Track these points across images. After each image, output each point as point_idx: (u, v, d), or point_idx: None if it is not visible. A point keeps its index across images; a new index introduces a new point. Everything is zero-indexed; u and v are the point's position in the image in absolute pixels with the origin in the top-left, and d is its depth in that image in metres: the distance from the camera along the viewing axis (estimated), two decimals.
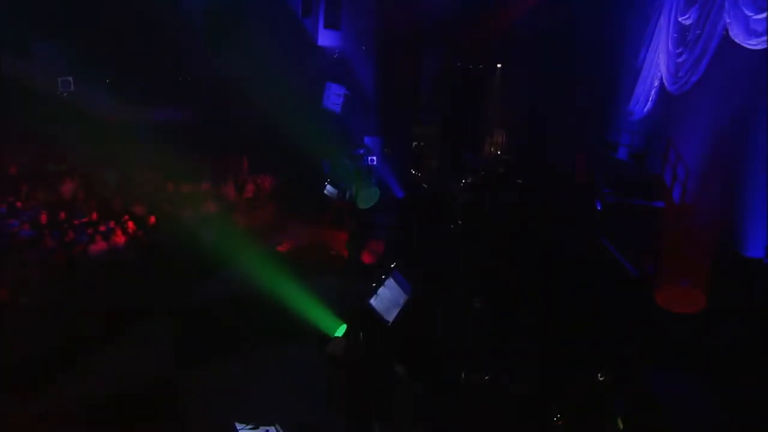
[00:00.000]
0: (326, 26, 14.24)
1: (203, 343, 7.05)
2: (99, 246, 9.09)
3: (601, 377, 6.15)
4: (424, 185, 13.01)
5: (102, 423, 5.35)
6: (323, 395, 6.15)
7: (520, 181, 13.86)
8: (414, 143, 16.37)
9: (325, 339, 6.88)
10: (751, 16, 8.78)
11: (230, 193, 12.90)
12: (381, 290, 6.22)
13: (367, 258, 9.82)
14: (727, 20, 9.52)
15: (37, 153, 11.01)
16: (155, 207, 10.89)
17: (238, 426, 3.56)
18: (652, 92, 11.97)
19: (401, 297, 6.49)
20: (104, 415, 5.43)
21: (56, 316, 6.93)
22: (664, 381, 5.45)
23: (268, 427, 3.70)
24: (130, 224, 10.01)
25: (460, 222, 9.79)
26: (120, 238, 9.45)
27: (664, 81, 11.35)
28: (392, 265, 6.64)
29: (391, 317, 6.13)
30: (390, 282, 6.49)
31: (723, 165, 9.58)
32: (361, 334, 6.49)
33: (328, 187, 11.58)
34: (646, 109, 12.15)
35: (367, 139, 14.60)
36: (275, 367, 6.64)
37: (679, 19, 10.89)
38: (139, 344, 6.99)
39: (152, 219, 10.48)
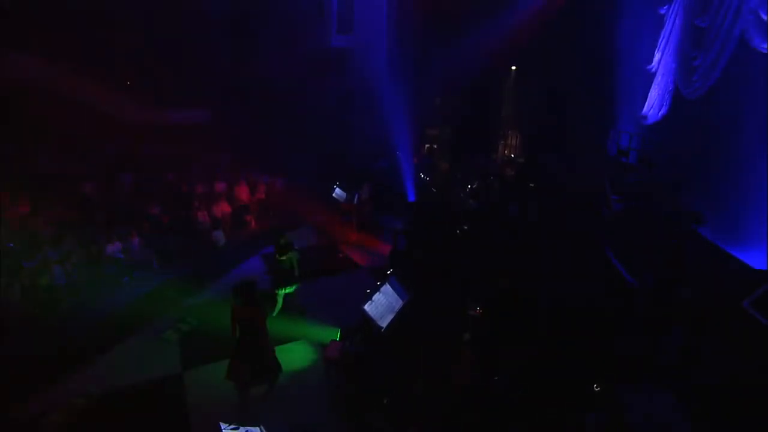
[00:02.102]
0: (338, 31, 14.43)
1: (208, 343, 7.29)
2: (115, 245, 9.50)
3: (597, 388, 6.18)
4: (432, 189, 13.05)
5: (106, 421, 5.60)
6: (321, 397, 6.31)
7: (531, 185, 13.79)
8: (426, 145, 16.40)
9: (323, 342, 7.07)
10: (764, 20, 8.59)
11: (243, 193, 13.23)
12: (376, 296, 6.35)
13: (362, 259, 9.97)
14: (744, 24, 9.32)
15: (59, 154, 11.45)
16: (170, 208, 11.29)
17: (223, 426, 3.74)
18: (667, 96, 11.75)
19: (397, 303, 6.61)
20: (108, 413, 5.69)
21: (70, 314, 7.30)
22: (637, 395, 5.45)
23: (253, 428, 3.87)
24: (145, 224, 10.40)
25: (465, 227, 9.82)
26: (135, 238, 9.83)
27: (679, 85, 11.14)
28: (389, 272, 6.76)
29: (385, 323, 6.25)
30: (386, 288, 6.61)
31: (736, 172, 9.39)
32: (356, 337, 6.66)
33: (337, 190, 11.74)
34: (660, 114, 11.93)
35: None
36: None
37: (695, 22, 10.67)
38: (148, 343, 7.25)
39: (165, 219, 10.87)
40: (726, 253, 8.26)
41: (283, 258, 7.70)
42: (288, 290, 7.88)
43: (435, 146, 17.18)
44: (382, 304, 6.40)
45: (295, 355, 7.03)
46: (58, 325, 6.99)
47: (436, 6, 15.42)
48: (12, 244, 8.36)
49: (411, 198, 13.48)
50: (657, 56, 12.20)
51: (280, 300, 7.87)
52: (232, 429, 3.71)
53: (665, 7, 11.81)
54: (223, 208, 12.07)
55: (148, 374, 6.46)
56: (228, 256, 10.35)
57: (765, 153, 8.66)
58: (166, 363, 6.77)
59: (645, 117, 12.45)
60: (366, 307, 6.16)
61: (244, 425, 3.86)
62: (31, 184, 10.33)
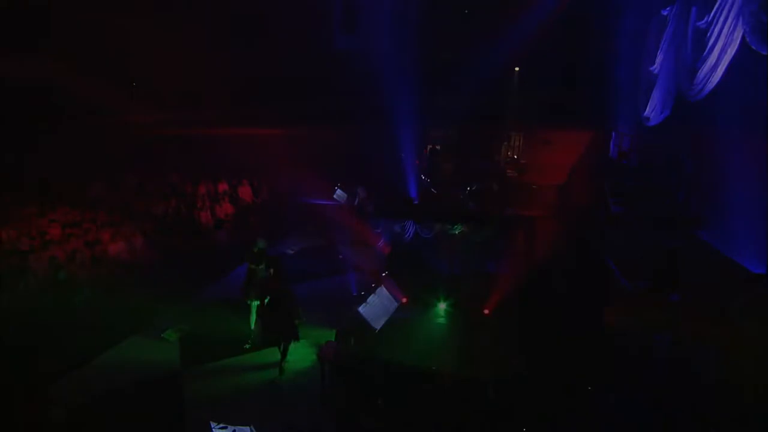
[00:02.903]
0: (342, 32, 14.52)
1: (207, 343, 7.42)
2: (118, 246, 9.67)
3: (589, 389, 6.23)
4: (432, 190, 13.09)
5: (106, 419, 5.73)
6: (316, 398, 6.41)
7: (534, 186, 13.80)
8: (428, 146, 16.41)
9: (318, 343, 7.16)
10: (766, 22, 8.53)
11: (246, 194, 13.38)
12: (371, 298, 6.46)
13: (360, 261, 10.04)
14: (745, 26, 9.26)
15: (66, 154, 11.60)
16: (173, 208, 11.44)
17: (213, 425, 3.84)
18: (669, 98, 11.70)
19: (392, 305, 6.70)
20: (109, 411, 5.83)
21: (72, 314, 7.45)
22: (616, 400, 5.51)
23: (244, 428, 3.97)
24: (148, 224, 10.56)
25: (464, 230, 9.88)
26: (138, 239, 10.00)
27: (681, 87, 11.09)
28: (384, 274, 6.86)
29: (379, 325, 6.35)
30: (381, 290, 6.71)
31: (737, 174, 9.35)
32: (351, 338, 6.75)
33: (338, 191, 11.84)
34: (662, 116, 11.89)
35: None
36: (270, 368, 6.92)
37: (697, 24, 10.62)
38: (148, 342, 7.39)
39: (169, 219, 11.02)
40: (725, 257, 8.24)
41: (260, 266, 7.29)
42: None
43: (437, 147, 17.19)
44: (376, 305, 6.50)
45: (290, 356, 7.12)
46: (60, 324, 7.13)
47: (440, 7, 15.49)
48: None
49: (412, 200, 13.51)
50: (660, 58, 12.14)
51: (253, 312, 7.46)
52: (221, 428, 3.82)
53: (668, 9, 11.76)
54: (225, 209, 12.24)
55: (148, 374, 6.59)
56: (230, 257, 10.46)
57: (766, 156, 8.62)
58: (165, 363, 6.90)
59: (647, 119, 12.41)
60: (360, 309, 6.26)
61: (234, 425, 3.96)
62: (37, 184, 10.51)
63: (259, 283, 7.19)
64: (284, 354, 6.72)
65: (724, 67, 9.84)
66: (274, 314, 6.52)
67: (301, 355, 7.13)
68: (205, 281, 9.35)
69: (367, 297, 6.44)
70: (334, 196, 11.84)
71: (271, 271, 6.96)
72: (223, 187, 12.97)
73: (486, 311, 7.63)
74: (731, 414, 5.11)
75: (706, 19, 10.24)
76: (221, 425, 3.83)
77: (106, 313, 7.68)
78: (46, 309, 7.46)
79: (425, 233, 9.15)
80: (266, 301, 6.66)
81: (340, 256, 10.71)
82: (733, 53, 9.61)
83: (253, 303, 7.36)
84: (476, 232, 9.29)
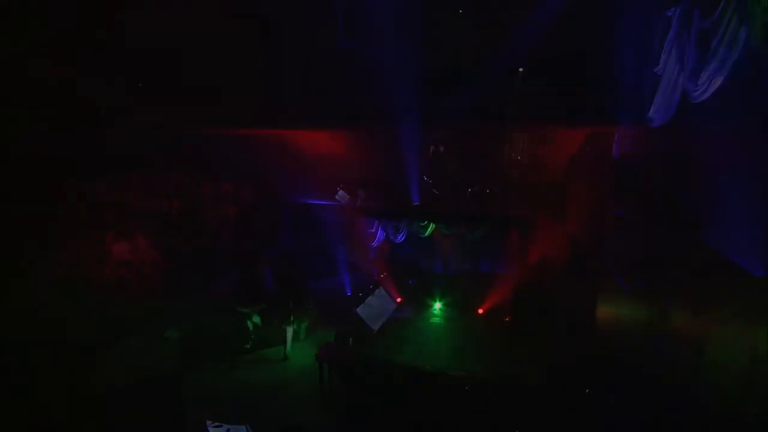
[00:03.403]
0: (344, 35, 14.47)
1: (208, 342, 7.46)
2: (122, 245, 9.73)
3: (587, 392, 6.21)
4: (434, 191, 13.06)
5: (106, 418, 5.75)
6: (314, 397, 6.43)
7: (536, 187, 13.73)
8: (431, 147, 16.36)
9: (318, 343, 7.18)
10: None
11: (249, 194, 13.41)
12: (369, 299, 6.48)
13: (360, 262, 10.05)
14: (749, 27, 9.21)
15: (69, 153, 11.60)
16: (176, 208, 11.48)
17: (209, 424, 3.86)
18: (673, 99, 11.63)
19: (390, 306, 6.71)
20: (109, 411, 5.84)
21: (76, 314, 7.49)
22: (615, 400, 5.47)
23: (239, 426, 3.98)
24: (151, 224, 10.60)
25: (464, 231, 9.87)
26: (141, 239, 10.05)
27: (684, 88, 11.03)
28: (382, 275, 6.86)
29: (377, 325, 6.36)
30: (380, 291, 6.72)
31: (740, 176, 9.28)
32: (350, 339, 6.76)
33: (340, 192, 11.84)
34: (665, 117, 11.81)
35: None
36: (269, 368, 6.95)
37: (701, 25, 10.57)
38: (149, 341, 7.43)
39: (172, 219, 11.06)
40: (725, 258, 8.16)
41: (256, 270, 7.56)
42: (255, 308, 7.41)
43: (440, 148, 17.14)
44: (375, 306, 6.51)
45: (290, 354, 7.14)
46: (62, 324, 7.18)
47: (442, 8, 15.43)
48: None
49: (415, 201, 13.47)
50: (663, 58, 12.05)
51: (249, 320, 7.46)
52: (216, 427, 3.83)
53: (672, 9, 11.70)
54: (228, 209, 12.27)
55: (148, 372, 6.62)
56: (231, 257, 10.49)
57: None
58: (165, 363, 6.93)
59: (651, 119, 12.32)
60: (359, 309, 6.27)
61: (231, 424, 3.97)
62: (42, 184, 10.55)
63: (254, 287, 7.21)
64: (296, 332, 6.86)
65: (727, 69, 9.78)
66: (271, 316, 6.53)
67: (301, 355, 7.16)
68: (207, 281, 9.38)
69: (366, 298, 6.45)
70: (336, 197, 11.84)
71: (263, 273, 6.97)
72: (225, 187, 13.01)
73: (480, 311, 7.62)
74: (731, 414, 5.07)
75: (710, 20, 10.19)
76: (216, 424, 3.85)
77: (107, 313, 7.72)
78: (49, 308, 7.49)
79: (421, 234, 9.18)
80: (261, 308, 6.66)
81: (340, 257, 10.71)
82: (736, 54, 9.55)
83: (246, 310, 7.40)
84: (475, 232, 9.28)
